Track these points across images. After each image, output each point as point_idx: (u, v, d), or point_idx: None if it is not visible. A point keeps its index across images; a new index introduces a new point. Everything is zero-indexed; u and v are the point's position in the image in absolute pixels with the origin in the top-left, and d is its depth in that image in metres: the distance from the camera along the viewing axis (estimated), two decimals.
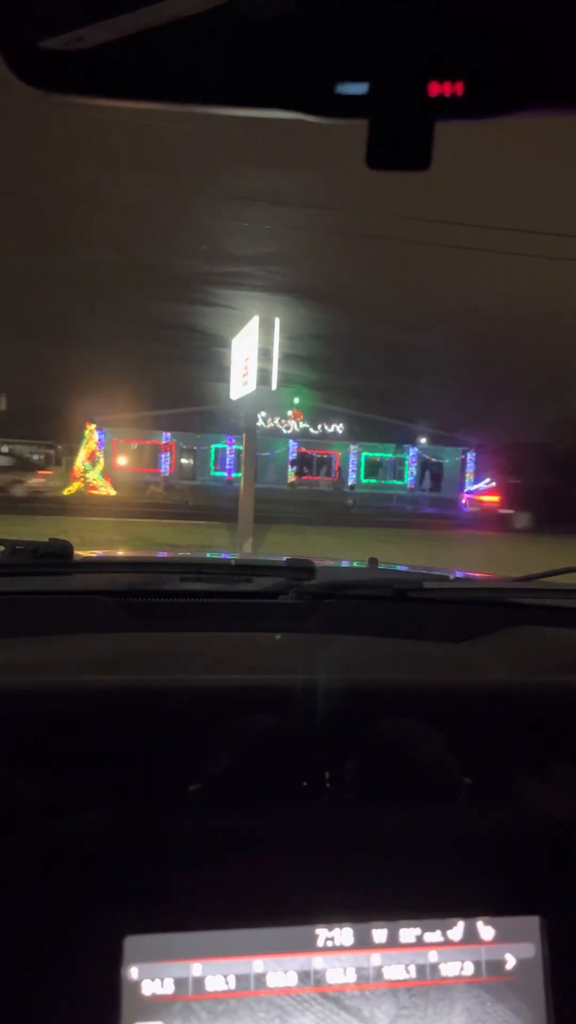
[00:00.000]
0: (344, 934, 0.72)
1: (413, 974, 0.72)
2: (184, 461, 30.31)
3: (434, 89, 0.42)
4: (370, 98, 0.43)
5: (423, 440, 30.37)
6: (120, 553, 2.66)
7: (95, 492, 23.01)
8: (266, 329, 10.38)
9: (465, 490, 26.31)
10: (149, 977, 0.69)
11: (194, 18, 0.42)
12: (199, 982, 0.69)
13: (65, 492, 22.40)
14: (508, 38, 0.42)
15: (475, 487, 24.88)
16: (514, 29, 0.42)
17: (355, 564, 1.94)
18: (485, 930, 0.74)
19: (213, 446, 29.44)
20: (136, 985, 0.68)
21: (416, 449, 30.35)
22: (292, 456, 30.26)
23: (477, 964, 0.73)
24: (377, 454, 30.47)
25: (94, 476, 24.08)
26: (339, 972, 0.71)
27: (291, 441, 29.86)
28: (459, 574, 1.74)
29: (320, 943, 0.71)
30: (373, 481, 30.57)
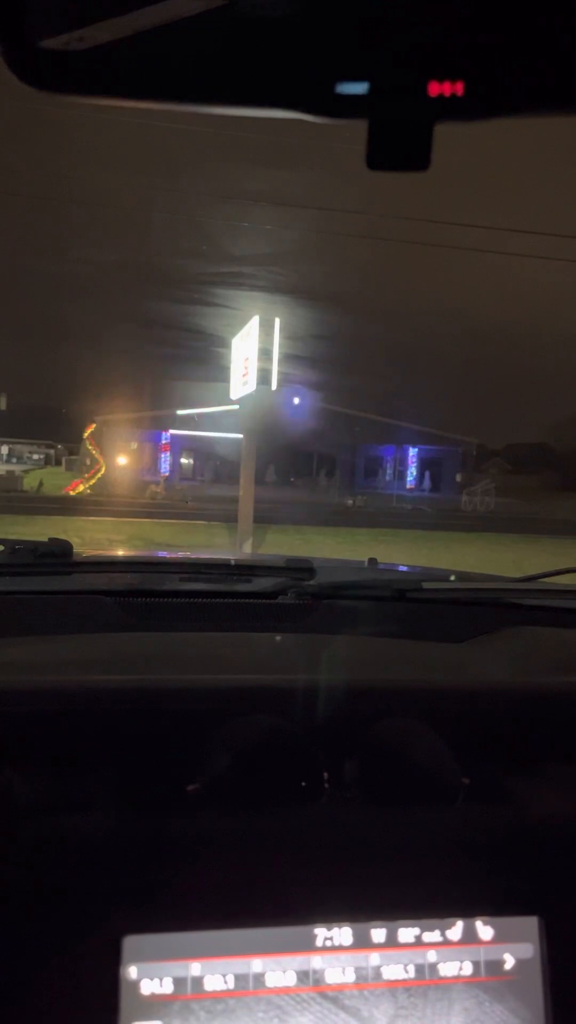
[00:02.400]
0: (343, 934, 0.72)
1: (412, 974, 0.72)
2: (184, 461, 30.30)
3: (434, 89, 0.42)
4: (370, 98, 0.43)
5: None
6: (119, 553, 2.67)
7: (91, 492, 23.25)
8: (266, 329, 10.39)
9: None
10: (148, 977, 0.69)
11: (194, 18, 0.42)
12: (198, 982, 0.69)
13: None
14: (508, 38, 0.42)
15: None
16: (515, 29, 0.42)
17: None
18: (484, 930, 0.74)
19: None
20: (135, 985, 0.68)
21: None
22: None
23: (476, 964, 0.73)
24: None
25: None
26: (338, 972, 0.71)
27: None
28: (459, 574, 1.74)
29: (319, 943, 0.71)
30: None
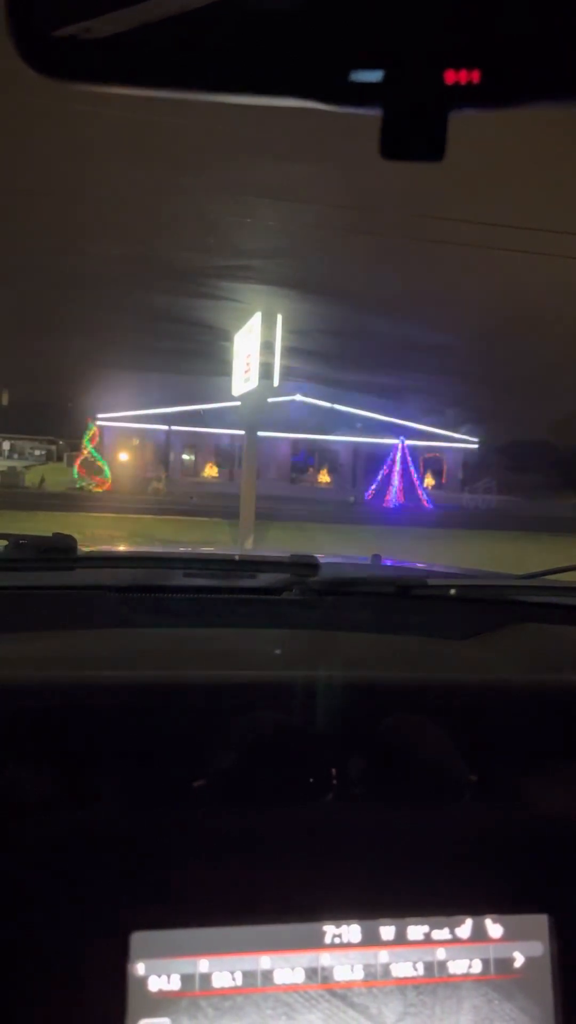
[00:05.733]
0: (352, 931, 0.71)
1: (421, 971, 0.72)
2: (186, 458, 30.28)
3: (450, 77, 0.42)
4: (385, 86, 0.42)
5: None
6: (123, 548, 2.67)
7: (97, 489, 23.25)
8: (268, 324, 10.38)
9: None
10: (155, 973, 0.68)
11: (206, 6, 0.41)
12: (206, 978, 0.69)
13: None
14: (525, 25, 0.42)
15: None
16: (532, 16, 0.42)
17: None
18: (493, 928, 0.73)
19: None
20: (142, 981, 0.68)
21: None
22: None
23: (485, 962, 0.73)
24: None
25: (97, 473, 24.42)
26: (346, 969, 0.71)
27: None
28: (463, 571, 1.74)
29: (328, 940, 0.71)
30: None
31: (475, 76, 0.42)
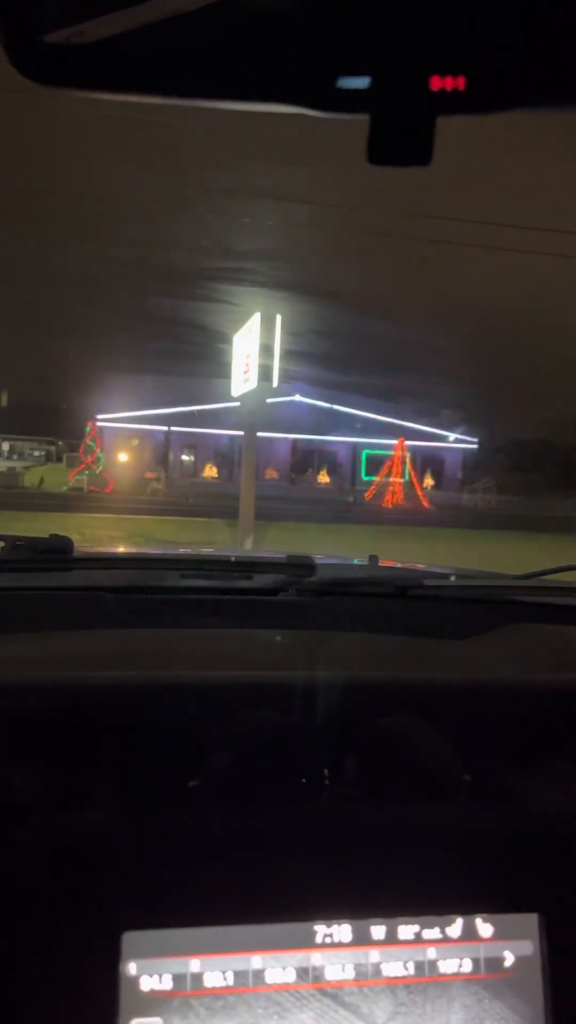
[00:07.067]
0: (343, 931, 0.72)
1: (411, 971, 0.72)
2: (184, 458, 30.29)
3: (436, 83, 0.42)
4: (372, 92, 0.43)
5: None
6: (120, 549, 2.67)
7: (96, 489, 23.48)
8: (267, 325, 10.38)
9: None
10: (147, 973, 0.69)
11: (195, 12, 0.41)
12: (197, 978, 0.69)
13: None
14: (510, 31, 0.42)
15: None
16: (516, 22, 0.42)
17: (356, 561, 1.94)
18: (484, 927, 0.74)
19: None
20: (134, 981, 0.68)
21: None
22: None
23: (476, 961, 0.73)
24: None
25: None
26: (337, 969, 0.71)
27: None
28: (460, 572, 1.74)
29: (319, 939, 0.71)
30: None
31: (460, 82, 0.42)
